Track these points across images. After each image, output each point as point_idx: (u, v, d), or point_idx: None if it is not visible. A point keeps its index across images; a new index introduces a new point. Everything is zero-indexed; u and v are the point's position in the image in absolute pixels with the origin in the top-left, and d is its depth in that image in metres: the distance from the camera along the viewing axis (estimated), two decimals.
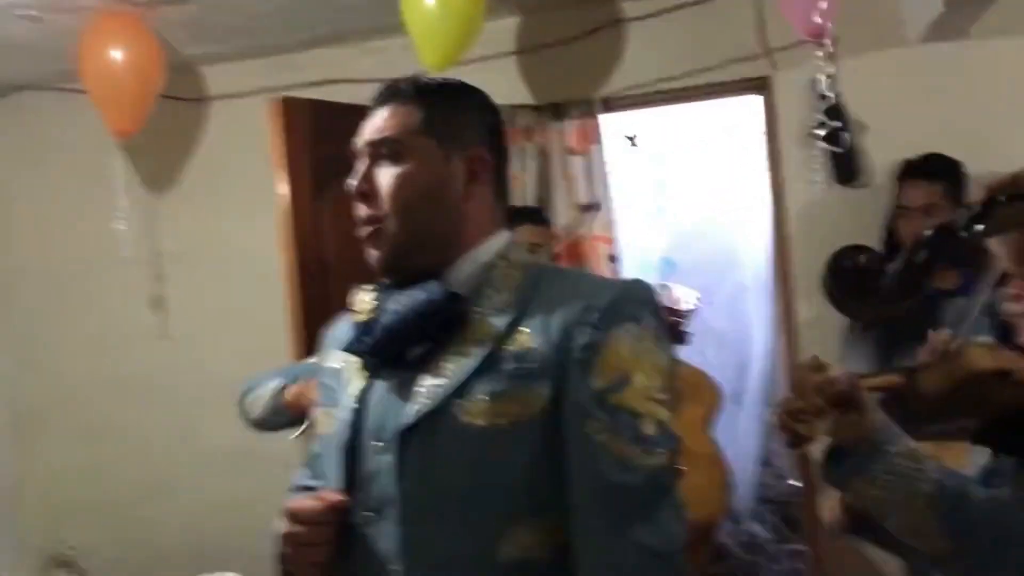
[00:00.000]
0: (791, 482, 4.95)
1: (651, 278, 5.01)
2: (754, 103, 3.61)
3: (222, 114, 4.02)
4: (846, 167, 3.26)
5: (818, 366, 1.42)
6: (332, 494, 1.31)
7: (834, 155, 3.25)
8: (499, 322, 1.26)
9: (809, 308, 3.41)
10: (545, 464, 1.21)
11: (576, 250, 3.47)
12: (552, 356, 1.21)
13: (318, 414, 1.45)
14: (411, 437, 1.25)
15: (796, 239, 3.43)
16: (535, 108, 3.56)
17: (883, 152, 3.24)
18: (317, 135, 3.11)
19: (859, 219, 3.31)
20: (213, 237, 4.03)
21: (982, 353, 1.41)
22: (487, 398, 1.21)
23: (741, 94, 3.63)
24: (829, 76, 3.21)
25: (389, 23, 3.35)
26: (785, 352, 3.56)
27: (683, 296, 3.43)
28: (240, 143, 3.85)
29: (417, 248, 1.31)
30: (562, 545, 1.21)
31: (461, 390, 1.22)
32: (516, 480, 1.21)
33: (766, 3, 3.32)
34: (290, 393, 2.36)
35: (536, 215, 3.31)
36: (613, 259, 3.48)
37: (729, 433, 4.69)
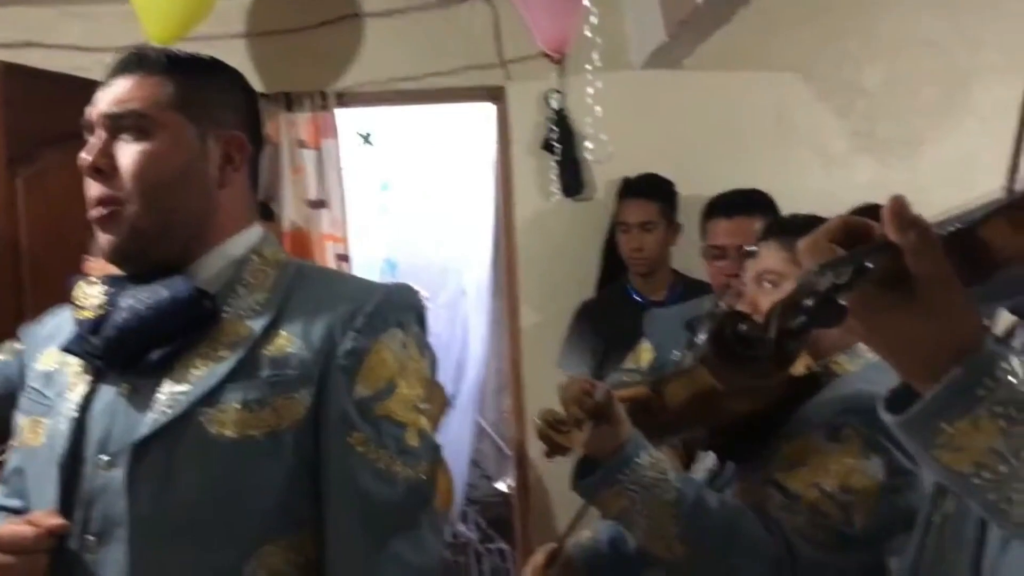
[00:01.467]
0: (497, 484, 5.10)
1: (373, 279, 4.99)
2: (485, 111, 3.67)
3: None
4: (572, 180, 3.40)
5: (586, 383, 1.44)
6: (46, 517, 1.13)
7: (561, 168, 3.37)
8: (254, 324, 1.15)
9: (532, 315, 3.52)
10: (302, 478, 1.12)
11: (303, 247, 3.34)
12: (313, 362, 1.12)
13: (22, 423, 1.25)
14: (146, 450, 1.11)
15: (522, 247, 3.52)
16: (264, 96, 3.39)
17: (606, 168, 3.41)
18: (12, 103, 2.74)
19: (583, 231, 3.47)
20: None
21: None
22: (239, 407, 1.10)
23: (475, 101, 3.68)
24: (560, 92, 3.34)
25: None
26: (509, 357, 3.64)
27: None
28: None
29: (160, 236, 1.16)
30: (314, 564, 1.13)
31: (209, 398, 1.11)
32: (269, 496, 1.11)
33: (503, 14, 3.38)
34: None
35: (262, 208, 3.15)
36: (343, 258, 3.39)
37: (442, 435, 4.74)
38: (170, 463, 1.10)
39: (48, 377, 1.23)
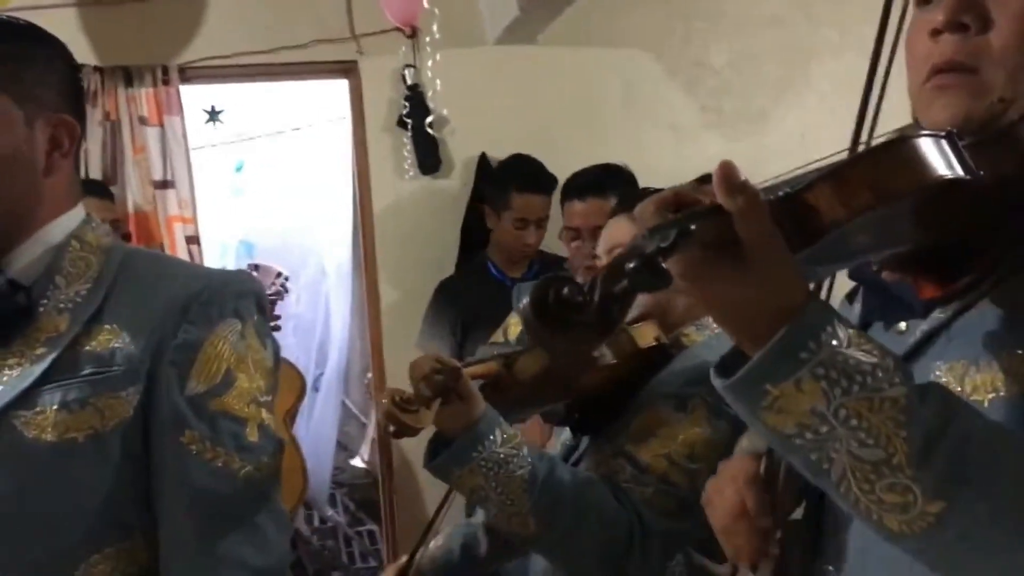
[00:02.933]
0: (354, 461, 5.06)
1: (229, 261, 4.84)
2: (341, 88, 3.59)
3: None
4: (428, 157, 3.36)
5: (435, 360, 1.42)
6: None
7: (417, 145, 3.33)
8: (74, 317, 1.07)
9: (392, 293, 3.48)
10: (130, 482, 1.06)
11: (148, 230, 3.19)
12: (141, 357, 1.06)
13: None
14: None
15: (380, 225, 3.47)
16: (100, 70, 3.21)
17: (462, 144, 3.39)
18: None
19: (440, 208, 3.45)
20: None
21: None
22: (57, 408, 1.03)
23: (328, 77, 3.59)
24: (414, 67, 3.29)
25: None
26: (370, 337, 3.59)
27: (273, 278, 3.32)
28: None
29: None
30: (149, 573, 1.08)
31: (24, 399, 1.03)
32: (93, 503, 1.05)
33: None
34: None
35: (100, 189, 2.99)
36: (192, 241, 3.25)
37: (306, 418, 4.66)
38: None
39: None
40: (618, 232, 1.62)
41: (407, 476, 3.53)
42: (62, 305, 1.08)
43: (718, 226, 0.68)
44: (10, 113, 1.07)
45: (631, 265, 0.65)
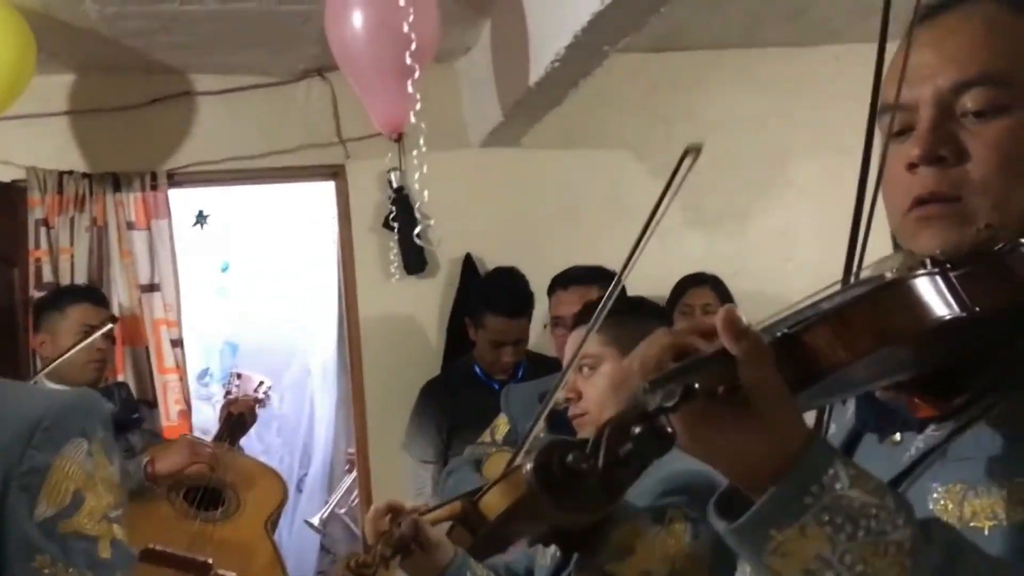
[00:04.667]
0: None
1: (213, 362, 4.82)
2: (327, 190, 3.63)
3: None
4: (413, 258, 3.39)
5: (390, 509, 1.40)
6: None
7: (403, 246, 3.36)
8: None
9: (378, 394, 3.46)
10: None
11: (135, 333, 3.18)
12: None
13: None
14: None
15: (366, 325, 3.47)
16: (89, 176, 3.25)
17: (448, 246, 3.42)
18: None
19: (426, 308, 3.46)
20: None
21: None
22: None
23: (315, 180, 3.64)
24: (400, 170, 3.35)
25: None
26: (356, 437, 3.56)
27: (253, 386, 3.30)
28: None
29: None
30: None
31: None
32: None
33: (341, 93, 3.38)
34: None
35: (93, 294, 3.00)
36: (176, 344, 3.24)
37: (289, 519, 4.57)
38: None
39: None
40: (583, 343, 1.60)
41: None
42: None
43: (720, 374, 0.67)
44: None
45: (637, 430, 0.64)
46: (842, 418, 0.92)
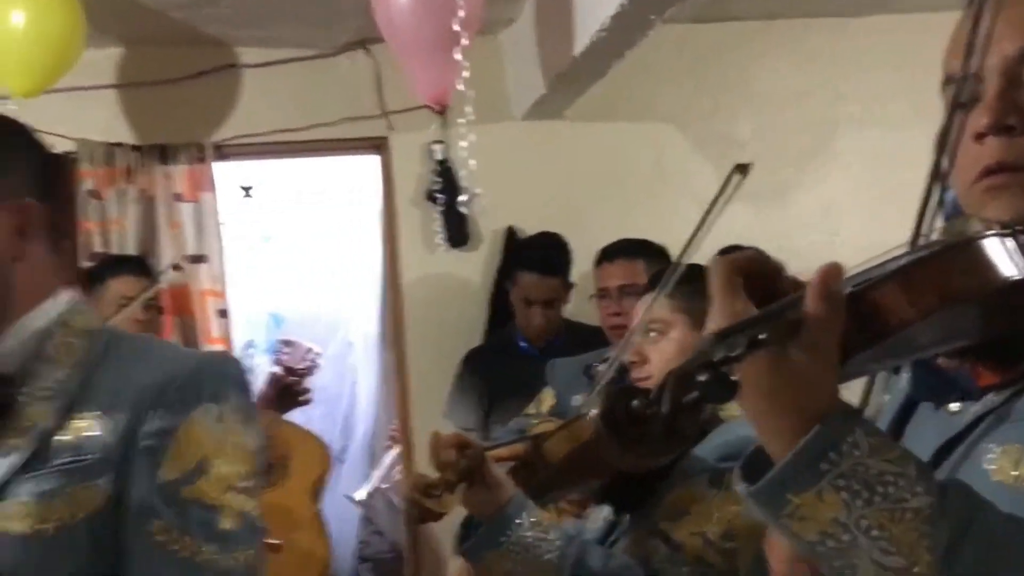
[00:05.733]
0: (391, 540, 5.00)
1: (258, 334, 4.88)
2: (371, 162, 3.65)
3: None
4: (457, 231, 3.40)
5: (457, 439, 1.42)
6: None
7: (447, 218, 3.37)
8: (51, 407, 1.05)
9: (420, 365, 3.48)
10: (99, 573, 1.02)
11: (183, 304, 3.23)
12: (115, 445, 1.02)
13: None
14: None
15: (408, 297, 3.50)
16: (138, 149, 3.29)
17: (490, 218, 3.43)
18: None
19: (468, 280, 3.47)
20: None
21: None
22: (30, 499, 1.00)
23: (358, 153, 3.66)
24: (443, 142, 3.35)
25: None
26: (398, 408, 3.59)
27: (305, 353, 3.35)
28: None
29: None
30: None
31: None
32: None
33: (384, 65, 3.38)
34: None
35: (137, 265, 3.04)
36: (223, 314, 3.29)
37: (332, 490, 4.63)
38: None
39: None
40: (653, 308, 1.61)
41: (433, 552, 3.49)
42: (42, 393, 1.06)
43: (785, 328, 0.67)
44: None
45: (701, 377, 0.64)
46: (896, 387, 0.92)
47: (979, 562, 0.68)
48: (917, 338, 0.71)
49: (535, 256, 3.08)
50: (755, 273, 0.73)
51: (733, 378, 0.65)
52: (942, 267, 0.69)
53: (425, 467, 3.33)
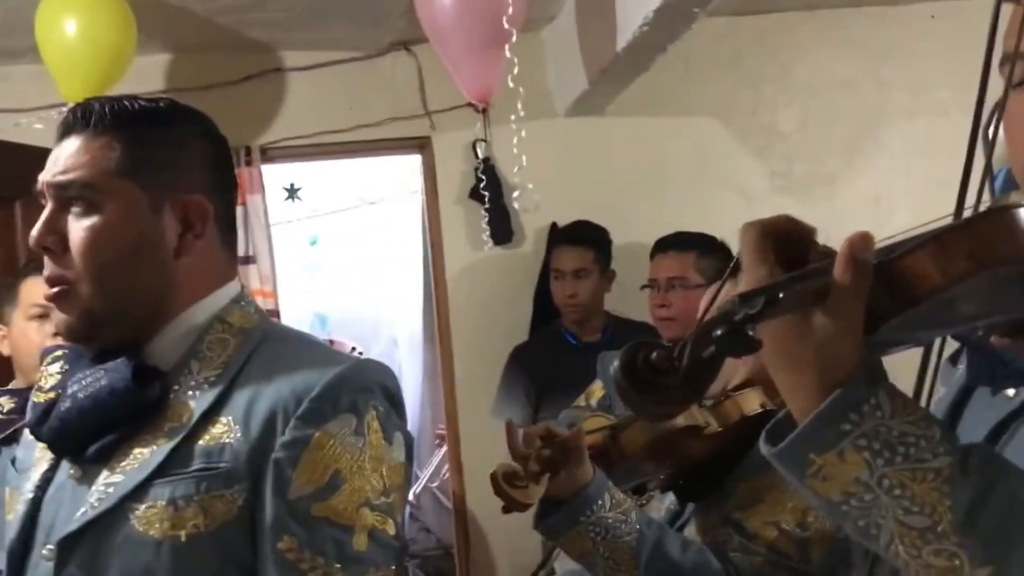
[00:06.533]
0: (438, 537, 5.03)
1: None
2: (414, 162, 3.68)
3: None
4: (501, 228, 3.41)
5: (546, 431, 1.43)
6: None
7: (490, 216, 3.39)
8: (197, 406, 1.03)
9: (466, 362, 3.50)
10: None
11: None
12: (249, 454, 1.00)
13: (6, 492, 1.17)
14: (75, 545, 1.01)
15: (453, 296, 3.52)
16: None
17: (534, 215, 3.44)
18: None
19: (513, 278, 3.48)
20: None
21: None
22: (165, 504, 0.99)
23: (402, 152, 3.68)
24: (485, 141, 3.37)
25: (14, 47, 3.04)
26: (445, 406, 3.62)
27: (349, 353, 3.38)
28: None
29: (113, 318, 1.06)
30: None
31: (138, 492, 1.00)
32: None
33: (427, 65, 3.41)
34: None
35: None
36: (272, 314, 3.33)
37: None
38: (95, 563, 1.00)
39: (25, 447, 1.15)
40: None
41: (482, 549, 3.51)
42: (191, 391, 1.04)
43: (812, 293, 0.68)
44: (136, 200, 1.06)
45: (718, 332, 0.65)
46: (951, 378, 0.92)
47: (1001, 525, 0.68)
48: (956, 308, 0.71)
49: (568, 228, 3.19)
50: (786, 238, 0.74)
51: (750, 334, 0.66)
52: (977, 233, 0.68)
53: (472, 464, 3.39)
